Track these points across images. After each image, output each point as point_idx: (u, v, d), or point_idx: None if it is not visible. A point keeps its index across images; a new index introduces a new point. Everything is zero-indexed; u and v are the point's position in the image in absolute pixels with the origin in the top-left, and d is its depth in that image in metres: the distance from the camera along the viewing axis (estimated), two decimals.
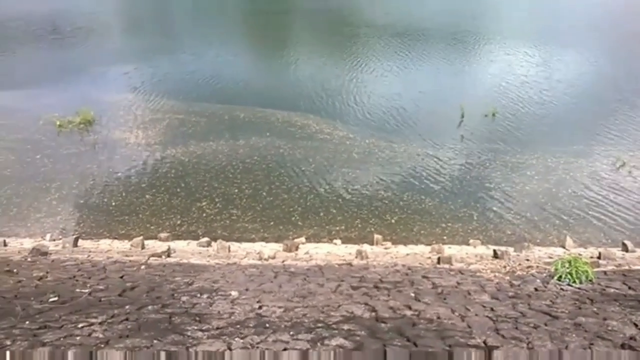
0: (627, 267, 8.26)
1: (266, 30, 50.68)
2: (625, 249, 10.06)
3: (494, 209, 12.63)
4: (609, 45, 34.33)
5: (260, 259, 9.30)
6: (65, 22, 52.92)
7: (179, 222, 12.25)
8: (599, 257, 9.09)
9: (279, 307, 5.52)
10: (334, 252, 10.24)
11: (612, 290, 6.30)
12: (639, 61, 28.77)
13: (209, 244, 10.71)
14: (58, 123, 18.02)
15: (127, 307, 5.43)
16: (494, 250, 9.32)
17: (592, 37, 38.63)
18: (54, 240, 11.01)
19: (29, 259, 8.44)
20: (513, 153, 15.62)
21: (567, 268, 6.74)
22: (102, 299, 5.84)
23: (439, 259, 8.87)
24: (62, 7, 56.85)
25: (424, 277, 7.22)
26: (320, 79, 25.66)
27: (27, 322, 4.77)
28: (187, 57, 31.81)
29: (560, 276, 6.72)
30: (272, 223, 12.17)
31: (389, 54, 31.99)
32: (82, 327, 4.68)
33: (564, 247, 10.53)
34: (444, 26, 45.22)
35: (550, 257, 8.77)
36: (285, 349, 4.17)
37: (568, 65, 28.22)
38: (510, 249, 9.56)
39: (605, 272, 7.52)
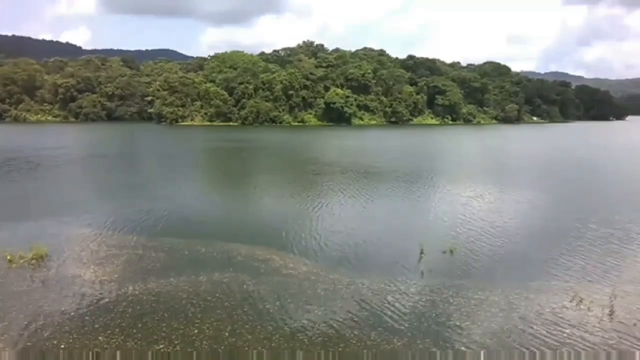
0: None
1: (229, 165, 52.13)
2: None
3: (463, 348, 12.44)
4: (552, 185, 36.86)
5: None
6: (23, 156, 52.94)
7: None
8: None
9: None
10: None
11: None
12: (582, 198, 30.79)
13: None
14: (8, 258, 17.24)
15: None
16: None
17: (538, 177, 41.50)
18: None
19: None
20: (475, 289, 15.79)
21: None
22: None
23: None
24: (24, 142, 57.11)
25: None
26: (283, 213, 26.09)
27: None
28: (148, 192, 31.98)
29: None
30: None
31: (349, 190, 33.16)
32: None
33: None
34: (400, 166, 47.74)
35: None
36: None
37: (518, 202, 29.90)
38: None
39: None
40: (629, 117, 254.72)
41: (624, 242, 21.15)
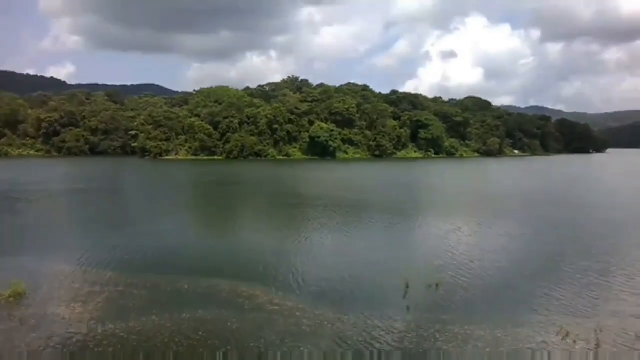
0: None
1: (212, 199, 51.86)
2: None
3: None
4: (531, 217, 37.17)
5: None
6: (3, 191, 52.12)
7: None
8: None
9: None
10: None
11: None
12: (560, 230, 31.09)
13: None
14: None
15: None
16: None
17: (518, 210, 41.84)
18: None
19: None
20: (461, 324, 15.69)
21: None
22: None
23: None
24: (4, 177, 56.39)
25: None
26: (267, 247, 25.92)
27: None
28: (129, 227, 31.61)
29: None
30: None
31: (333, 224, 33.11)
32: None
33: None
34: (384, 200, 47.93)
35: None
36: None
37: (499, 235, 30.07)
38: None
39: None
40: (608, 150, 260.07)
41: (602, 275, 21.25)
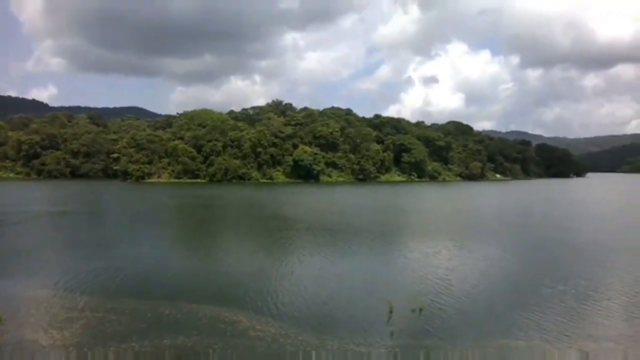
0: None
1: (194, 222, 51.36)
2: None
3: None
4: (510, 241, 37.49)
5: None
6: None
7: None
8: None
9: None
10: None
11: None
12: (538, 253, 31.36)
13: None
14: None
15: None
16: None
17: (498, 233, 42.21)
18: None
19: None
20: (445, 349, 15.67)
21: None
22: None
23: None
24: None
25: None
26: (250, 272, 25.72)
27: None
28: (109, 251, 31.15)
29: None
30: None
31: (316, 247, 33.00)
32: None
33: None
34: (367, 223, 47.97)
35: None
36: None
37: (481, 258, 30.23)
38: None
39: None
40: (588, 174, 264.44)
41: (580, 299, 21.42)
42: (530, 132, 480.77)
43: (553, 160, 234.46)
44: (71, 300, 20.01)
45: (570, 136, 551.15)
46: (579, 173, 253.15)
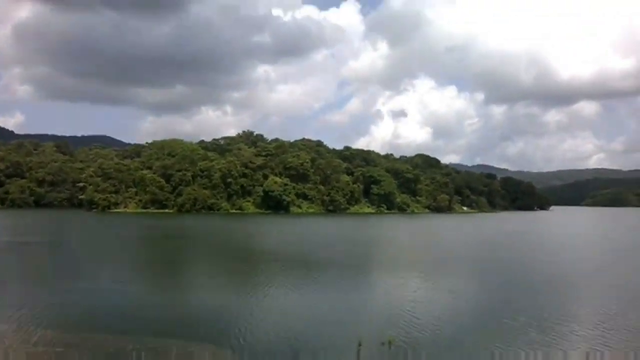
0: None
1: (160, 254, 50.38)
2: None
3: None
4: (475, 274, 37.98)
5: None
6: None
7: None
8: None
9: None
10: None
11: None
12: (502, 287, 31.81)
13: None
14: None
15: None
16: None
17: (463, 266, 42.71)
18: None
19: None
20: None
21: None
22: None
23: None
24: None
25: None
26: (217, 305, 25.30)
27: None
28: (71, 283, 30.30)
29: None
30: None
31: (284, 280, 32.76)
32: None
33: None
34: (336, 255, 47.94)
35: None
36: None
37: (448, 291, 30.49)
38: None
39: None
40: (552, 207, 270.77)
41: (542, 331, 21.66)
42: (495, 165, 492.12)
43: (518, 193, 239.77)
44: (30, 335, 19.25)
45: (534, 170, 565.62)
46: (543, 206, 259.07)
